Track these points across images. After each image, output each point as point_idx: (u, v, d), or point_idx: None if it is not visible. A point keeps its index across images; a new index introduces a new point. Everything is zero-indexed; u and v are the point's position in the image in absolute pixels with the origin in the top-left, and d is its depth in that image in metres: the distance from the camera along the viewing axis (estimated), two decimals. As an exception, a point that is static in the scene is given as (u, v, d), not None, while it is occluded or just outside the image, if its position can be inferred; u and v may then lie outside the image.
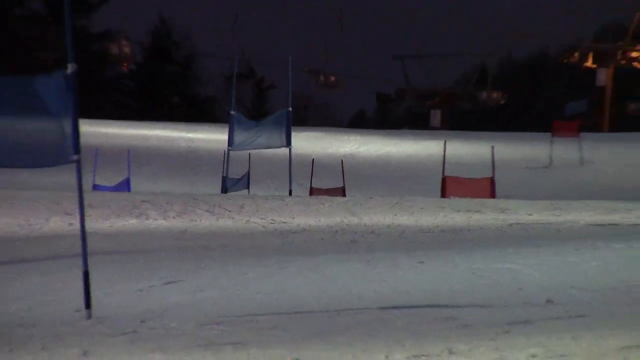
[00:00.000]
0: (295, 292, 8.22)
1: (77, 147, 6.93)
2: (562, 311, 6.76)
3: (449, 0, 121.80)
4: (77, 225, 7.78)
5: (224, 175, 23.69)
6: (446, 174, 23.44)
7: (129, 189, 24.87)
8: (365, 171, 34.87)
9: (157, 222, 14.82)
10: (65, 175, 22.88)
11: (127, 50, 64.34)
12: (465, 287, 8.35)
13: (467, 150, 37.25)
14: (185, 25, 77.77)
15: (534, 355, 4.78)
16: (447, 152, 24.61)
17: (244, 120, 22.74)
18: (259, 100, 74.19)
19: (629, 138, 41.31)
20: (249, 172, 25.76)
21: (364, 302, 7.63)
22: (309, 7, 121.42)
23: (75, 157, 6.94)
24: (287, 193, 20.76)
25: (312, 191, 25.22)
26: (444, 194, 22.28)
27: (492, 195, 21.85)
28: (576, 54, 64.32)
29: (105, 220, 14.59)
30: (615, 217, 15.58)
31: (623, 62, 64.63)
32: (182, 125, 45.87)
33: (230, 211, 15.64)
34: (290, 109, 21.61)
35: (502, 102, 68.34)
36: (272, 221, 15.08)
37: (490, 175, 23.18)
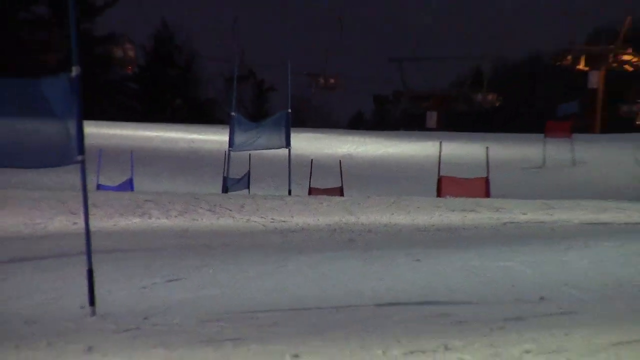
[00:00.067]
0: (295, 290, 8.26)
1: (81, 148, 6.94)
2: (555, 308, 6.82)
3: (445, 4, 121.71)
4: (82, 224, 7.85)
5: (225, 175, 23.74)
6: (442, 174, 23.54)
7: (132, 189, 24.92)
8: (363, 171, 34.91)
9: (159, 221, 14.86)
10: (69, 176, 23.06)
11: (131, 53, 64.43)
12: (461, 284, 8.42)
13: (463, 151, 37.30)
14: (186, 28, 77.93)
15: (527, 351, 4.78)
16: (442, 153, 24.69)
17: (244, 122, 22.81)
18: (259, 101, 74.27)
19: (620, 139, 41.44)
20: (249, 172, 25.79)
21: (362, 299, 7.69)
22: (309, 8, 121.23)
23: (79, 158, 6.95)
24: (287, 193, 20.83)
25: (311, 191, 25.32)
26: (439, 194, 22.37)
27: (487, 194, 21.93)
28: (569, 57, 64.60)
29: (109, 219, 14.63)
30: (607, 216, 15.65)
31: (614, 64, 64.95)
32: (183, 127, 45.94)
33: (231, 210, 15.68)
34: (290, 110, 21.73)
35: (497, 104, 68.38)
36: (272, 220, 15.12)
37: (485, 175, 23.29)
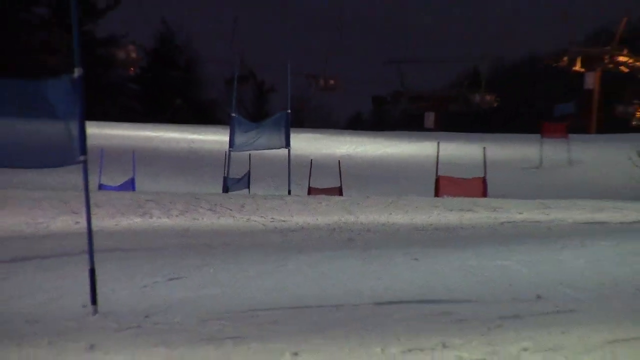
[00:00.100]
0: (294, 289, 8.31)
1: (83, 149, 6.99)
2: (552, 306, 6.86)
3: (445, 4, 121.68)
4: (84, 223, 7.88)
5: (225, 175, 23.82)
6: (440, 174, 23.59)
7: (133, 189, 24.94)
8: (362, 171, 34.95)
9: (160, 220, 14.91)
10: (72, 176, 23.10)
11: (133, 54, 64.52)
12: (458, 283, 8.48)
13: (461, 151, 37.36)
14: (187, 29, 78.01)
15: (525, 349, 4.80)
16: (441, 153, 24.75)
17: (244, 122, 22.88)
18: (259, 102, 74.36)
19: (616, 139, 41.51)
20: (249, 172, 25.82)
21: (361, 298, 7.75)
22: (309, 8, 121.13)
23: (81, 158, 7.00)
24: (287, 192, 20.90)
25: (311, 191, 25.38)
26: (437, 193, 22.43)
27: (484, 194, 21.97)
28: (565, 58, 64.80)
29: (111, 219, 14.68)
30: (603, 216, 15.69)
31: (610, 66, 65.17)
32: (184, 127, 46.04)
33: (231, 210, 15.73)
34: (289, 111, 21.80)
35: (496, 104, 68.42)
36: (272, 220, 15.16)
37: (482, 175, 23.35)
